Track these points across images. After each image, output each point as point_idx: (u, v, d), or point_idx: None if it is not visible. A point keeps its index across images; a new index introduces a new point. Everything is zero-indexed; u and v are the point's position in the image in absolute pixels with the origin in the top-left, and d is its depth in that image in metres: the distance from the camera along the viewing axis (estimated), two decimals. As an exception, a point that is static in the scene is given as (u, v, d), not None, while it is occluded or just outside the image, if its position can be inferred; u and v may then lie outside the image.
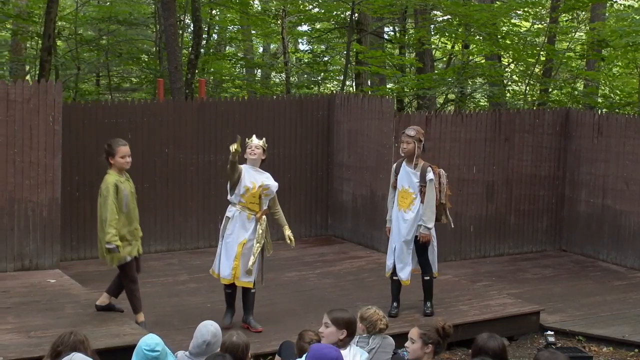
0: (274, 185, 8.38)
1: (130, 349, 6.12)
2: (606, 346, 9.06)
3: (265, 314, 8.76)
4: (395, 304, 8.97)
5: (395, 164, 9.05)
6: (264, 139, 8.45)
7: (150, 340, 5.54)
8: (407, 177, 8.82)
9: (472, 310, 9.36)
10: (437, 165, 9.12)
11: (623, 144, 11.79)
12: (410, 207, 8.79)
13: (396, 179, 8.93)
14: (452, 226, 9.43)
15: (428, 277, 9.00)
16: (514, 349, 9.01)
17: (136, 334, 7.56)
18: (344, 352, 5.84)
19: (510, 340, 9.16)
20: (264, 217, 8.37)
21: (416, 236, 8.84)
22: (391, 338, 7.18)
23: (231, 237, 8.32)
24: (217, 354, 5.50)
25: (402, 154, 8.86)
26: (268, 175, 8.43)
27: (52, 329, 7.77)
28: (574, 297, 10.41)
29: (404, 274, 8.93)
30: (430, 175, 8.75)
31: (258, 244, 8.30)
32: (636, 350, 8.89)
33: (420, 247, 8.89)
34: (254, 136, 8.43)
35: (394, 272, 8.97)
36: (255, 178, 8.28)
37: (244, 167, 8.30)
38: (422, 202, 8.78)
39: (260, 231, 8.32)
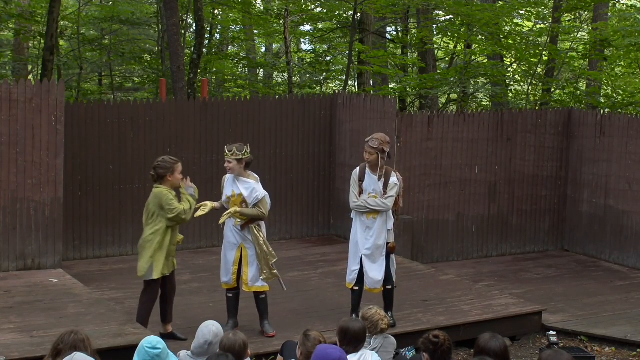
0: (252, 197, 8.08)
1: (131, 348, 6.13)
2: (608, 346, 9.06)
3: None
4: (354, 316, 8.29)
5: (357, 170, 8.63)
6: (234, 148, 8.02)
7: (151, 338, 5.55)
8: (372, 184, 8.50)
9: (474, 310, 9.35)
10: (396, 169, 8.62)
11: (625, 144, 11.78)
12: (376, 215, 8.48)
13: (361, 187, 8.55)
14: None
15: (390, 287, 8.68)
16: (516, 349, 9.01)
17: (138, 334, 7.57)
18: (354, 356, 5.82)
19: (513, 340, 9.16)
20: (251, 226, 8.13)
21: (387, 243, 8.56)
22: (393, 338, 7.19)
23: (227, 242, 8.31)
24: (219, 354, 5.50)
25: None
26: (251, 184, 8.12)
27: (54, 329, 7.77)
28: (577, 297, 10.41)
29: (377, 281, 8.55)
30: (394, 179, 8.44)
31: (259, 252, 8.15)
32: (638, 350, 8.89)
33: (388, 255, 8.60)
34: (226, 147, 8.13)
35: (357, 282, 8.60)
36: (236, 187, 8.15)
37: (226, 177, 8.25)
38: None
39: (252, 238, 8.14)
